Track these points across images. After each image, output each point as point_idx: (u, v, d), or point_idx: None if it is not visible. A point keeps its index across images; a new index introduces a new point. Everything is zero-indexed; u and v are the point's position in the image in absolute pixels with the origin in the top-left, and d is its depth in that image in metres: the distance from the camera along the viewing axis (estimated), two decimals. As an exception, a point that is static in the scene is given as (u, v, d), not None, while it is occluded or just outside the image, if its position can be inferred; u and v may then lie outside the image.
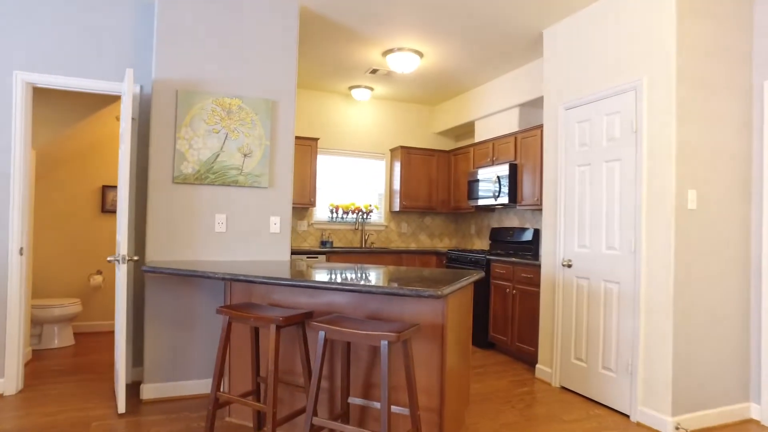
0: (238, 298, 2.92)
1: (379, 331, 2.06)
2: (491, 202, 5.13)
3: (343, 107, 6.15)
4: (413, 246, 6.43)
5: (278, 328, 2.34)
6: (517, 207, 4.87)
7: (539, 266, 4.01)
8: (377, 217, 6.31)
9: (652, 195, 2.97)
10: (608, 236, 3.27)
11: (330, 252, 5.35)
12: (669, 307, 2.87)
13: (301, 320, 2.46)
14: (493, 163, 5.26)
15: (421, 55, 4.64)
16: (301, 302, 2.71)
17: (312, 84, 5.71)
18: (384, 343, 2.05)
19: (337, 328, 2.14)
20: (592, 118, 3.42)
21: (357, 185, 6.23)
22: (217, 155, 3.37)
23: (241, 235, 3.45)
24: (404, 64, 4.62)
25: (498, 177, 5.00)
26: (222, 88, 3.40)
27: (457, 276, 2.63)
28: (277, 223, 3.55)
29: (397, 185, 6.09)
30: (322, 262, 5.34)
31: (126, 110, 2.96)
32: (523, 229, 5.08)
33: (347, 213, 6.04)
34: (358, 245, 6.14)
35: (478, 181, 5.37)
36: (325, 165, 6.05)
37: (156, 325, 3.22)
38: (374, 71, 5.14)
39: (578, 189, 3.54)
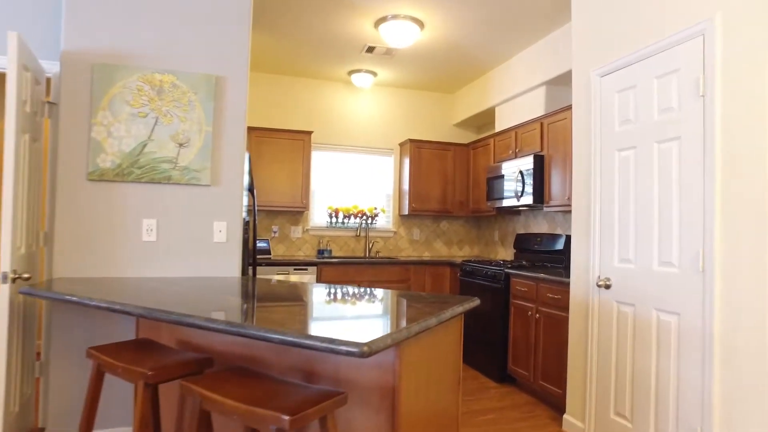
0: (145, 333, 2.21)
1: (269, 408, 1.26)
2: (513, 202, 4.21)
3: (343, 96, 5.39)
4: (427, 255, 5.56)
5: (147, 386, 1.58)
6: (544, 208, 3.93)
7: (569, 284, 3.08)
8: (385, 221, 5.49)
9: (731, 186, 2.01)
10: (662, 247, 2.32)
11: (323, 263, 4.59)
12: (765, 352, 1.90)
13: (191, 372, 1.69)
14: (516, 156, 4.34)
15: (421, 24, 3.81)
16: (215, 342, 1.95)
17: (303, 70, 4.99)
18: (272, 429, 1.25)
19: (213, 395, 1.36)
20: (638, 84, 2.48)
21: (361, 185, 5.44)
22: (145, 145, 2.69)
23: (176, 245, 2.74)
24: (401, 35, 3.81)
25: (521, 172, 4.08)
26: (151, 61, 2.72)
27: (447, 304, 1.79)
28: (223, 230, 2.82)
29: (407, 185, 5.26)
30: (311, 276, 4.60)
31: (10, 90, 2.31)
32: (554, 236, 4.13)
33: (348, 217, 5.26)
34: (362, 254, 5.34)
35: (498, 177, 4.46)
36: (321, 162, 5.31)
37: (63, 360, 2.55)
38: (371, 49, 4.36)
39: (619, 182, 2.60)
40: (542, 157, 3.94)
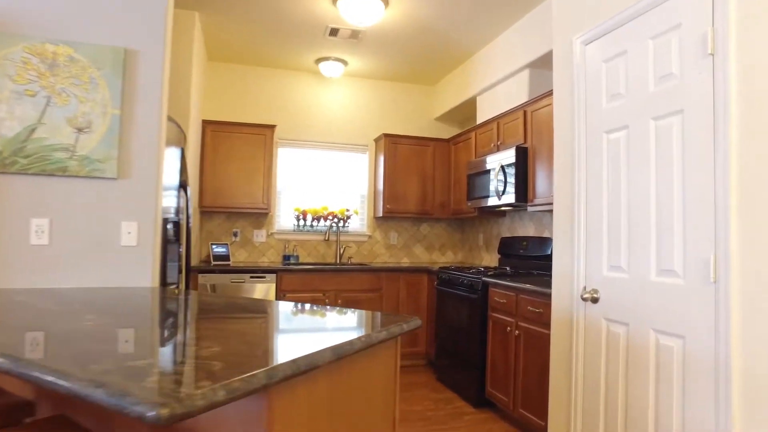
0: None
1: None
2: (495, 202, 3.73)
3: (311, 87, 4.93)
4: (405, 261, 5.08)
5: None
6: (528, 208, 3.45)
7: (551, 296, 2.59)
8: (358, 224, 5.01)
9: (751, 171, 1.53)
10: (661, 251, 1.83)
11: (284, 270, 4.10)
12: (794, 396, 1.41)
13: (-4, 428, 1.22)
14: (498, 149, 3.87)
15: (384, 0, 3.36)
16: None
17: (264, 58, 4.54)
18: None
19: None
20: (629, 49, 2.01)
21: (333, 185, 4.97)
22: (33, 129, 2.22)
23: (73, 250, 2.27)
24: (362, 12, 3.35)
25: (502, 167, 3.60)
26: (41, 28, 2.26)
27: (381, 326, 1.32)
28: (133, 232, 2.34)
29: (382, 185, 4.78)
30: (270, 284, 4.08)
31: None
32: (541, 240, 3.65)
33: (318, 220, 4.79)
34: (332, 260, 4.86)
35: (479, 174, 3.98)
36: (288, 160, 4.85)
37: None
38: (334, 32, 3.90)
39: (608, 171, 2.12)
40: (525, 149, 3.47)
